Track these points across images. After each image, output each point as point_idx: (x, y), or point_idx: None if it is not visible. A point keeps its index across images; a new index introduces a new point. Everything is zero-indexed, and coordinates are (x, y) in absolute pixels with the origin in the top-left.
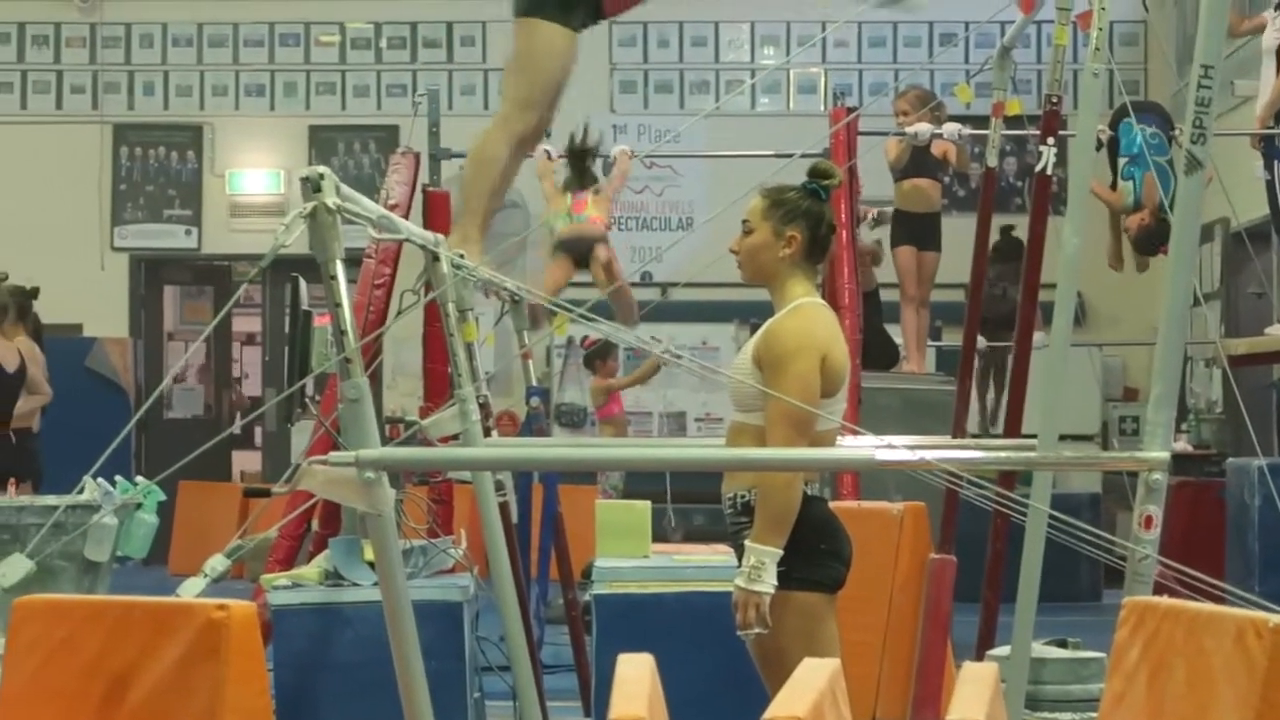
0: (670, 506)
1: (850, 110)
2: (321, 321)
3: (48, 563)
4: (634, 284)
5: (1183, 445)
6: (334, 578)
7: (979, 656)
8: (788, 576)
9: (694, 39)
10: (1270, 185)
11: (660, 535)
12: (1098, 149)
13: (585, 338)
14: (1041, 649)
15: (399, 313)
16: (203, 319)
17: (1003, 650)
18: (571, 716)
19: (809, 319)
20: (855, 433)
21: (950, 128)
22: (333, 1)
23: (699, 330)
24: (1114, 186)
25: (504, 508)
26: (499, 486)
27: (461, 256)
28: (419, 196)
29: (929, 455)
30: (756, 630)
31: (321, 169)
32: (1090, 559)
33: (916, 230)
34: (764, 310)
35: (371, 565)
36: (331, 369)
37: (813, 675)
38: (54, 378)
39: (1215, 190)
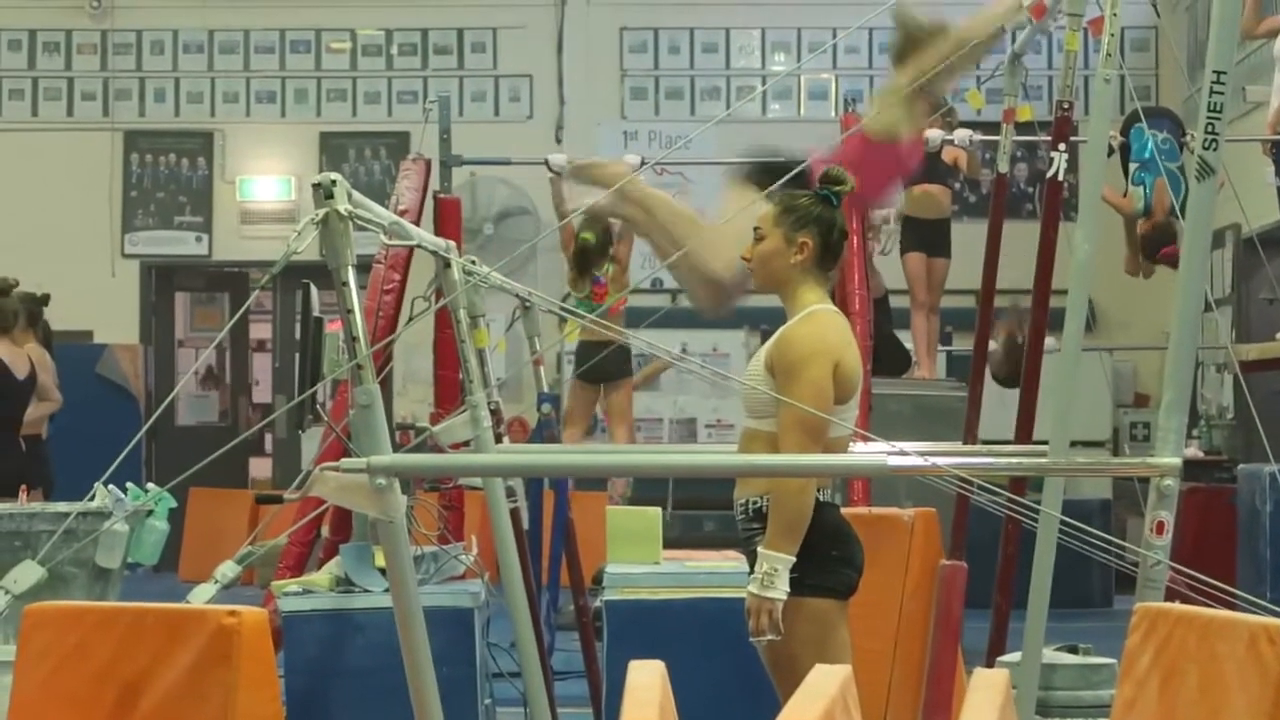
0: (671, 513)
1: (860, 116)
2: (333, 328)
3: (59, 569)
4: (645, 290)
5: (1194, 451)
6: (345, 584)
7: (990, 663)
8: (800, 583)
9: (705, 45)
10: None
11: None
12: (1109, 155)
13: None
14: (1052, 655)
15: (410, 319)
16: (214, 326)
17: (1014, 656)
18: None
19: (822, 325)
20: (867, 439)
21: (961, 134)
22: (344, 8)
23: (709, 336)
24: (1126, 193)
25: (515, 514)
26: (510, 492)
27: None
28: (430, 203)
29: (940, 461)
30: (769, 637)
31: (333, 175)
32: (1102, 565)
33: (926, 236)
34: (775, 316)
35: (382, 571)
36: (343, 375)
37: (824, 682)
38: (64, 384)
39: (1227, 196)
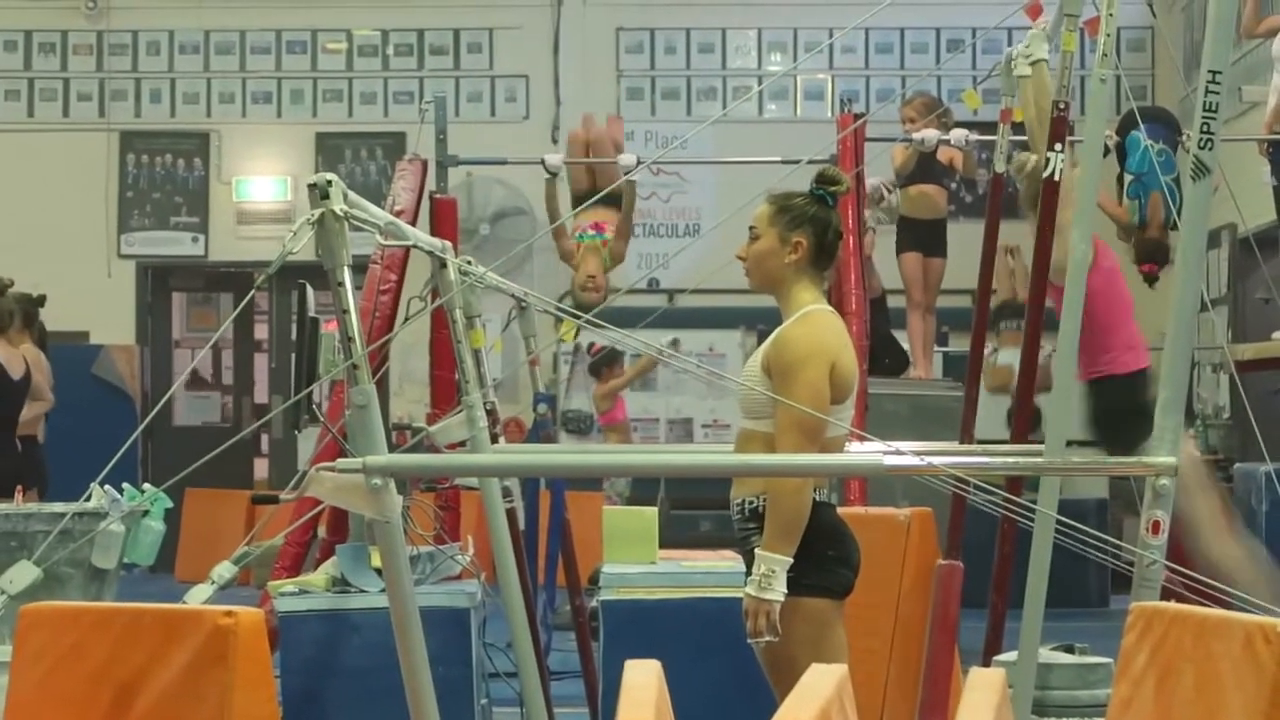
0: (670, 512)
1: (857, 116)
2: (329, 328)
3: (55, 570)
4: (641, 290)
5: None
6: (341, 584)
7: (986, 662)
8: (796, 583)
9: (701, 45)
10: (1278, 191)
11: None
12: (1104, 155)
13: (591, 345)
14: (1049, 654)
15: (406, 319)
16: (210, 326)
17: (1010, 656)
18: None
19: (818, 326)
20: (863, 439)
21: (957, 134)
22: (340, 9)
23: (706, 336)
24: (1119, 198)
25: (511, 514)
26: (506, 493)
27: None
28: (426, 203)
29: (936, 461)
30: (767, 639)
31: (329, 175)
32: (1098, 564)
33: (922, 237)
34: (771, 316)
35: (378, 572)
36: (339, 375)
37: (820, 681)
38: (61, 385)
39: (1223, 196)
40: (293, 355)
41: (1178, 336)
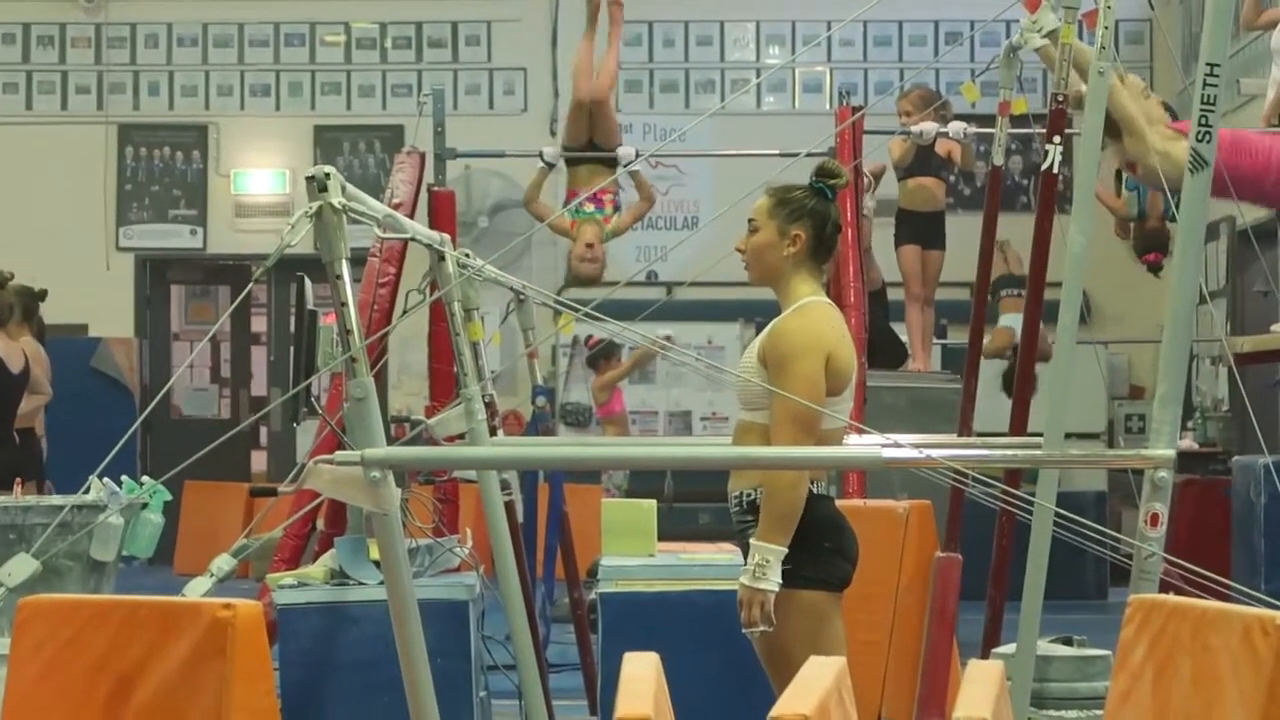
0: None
1: (855, 109)
2: (327, 321)
3: (53, 562)
4: (639, 283)
5: (1188, 443)
6: (340, 577)
7: (984, 655)
8: (794, 575)
9: (699, 38)
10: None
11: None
12: (1103, 148)
13: (589, 337)
14: (1047, 647)
15: (405, 312)
16: (208, 319)
17: (1008, 648)
18: (577, 715)
19: (815, 318)
20: (862, 431)
21: (955, 126)
22: (338, 1)
23: (705, 329)
24: (1118, 191)
25: (509, 507)
26: (504, 485)
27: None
28: (424, 196)
29: (935, 454)
30: (761, 628)
31: (327, 168)
32: (1096, 557)
33: (921, 229)
34: (770, 309)
35: (377, 564)
36: (337, 368)
37: (819, 673)
38: (59, 378)
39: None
40: (291, 348)
41: (1176, 329)
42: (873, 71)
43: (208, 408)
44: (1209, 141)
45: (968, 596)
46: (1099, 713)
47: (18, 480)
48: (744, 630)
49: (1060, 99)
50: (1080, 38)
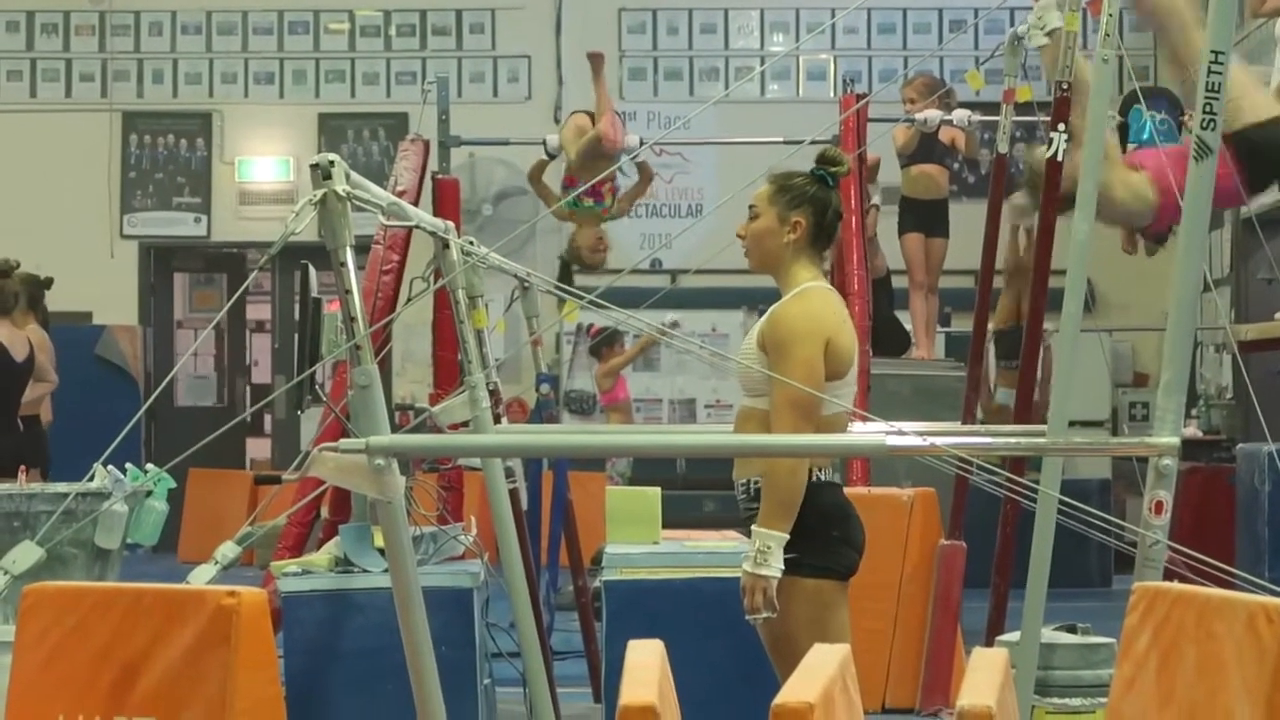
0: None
1: (860, 97)
2: (331, 308)
3: (58, 550)
4: (644, 271)
5: (1193, 431)
6: (344, 564)
7: (989, 642)
8: (799, 563)
9: (703, 26)
10: None
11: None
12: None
13: (591, 325)
14: (1051, 635)
15: (409, 299)
16: (212, 307)
17: (1013, 636)
18: (582, 702)
19: (814, 302)
20: (866, 419)
21: (960, 114)
22: None
23: (708, 316)
24: None
25: (514, 494)
26: (509, 473)
27: None
28: (428, 183)
29: (939, 441)
30: (764, 615)
31: (331, 156)
32: (1100, 544)
33: (924, 217)
34: (773, 297)
35: (381, 552)
36: (341, 356)
37: (823, 661)
38: (63, 366)
39: None
40: (295, 336)
41: (1180, 316)
42: (877, 59)
43: (205, 396)
44: (1213, 129)
45: (972, 584)
46: (1103, 700)
47: (22, 468)
48: (747, 617)
49: (1064, 87)
50: (1085, 26)
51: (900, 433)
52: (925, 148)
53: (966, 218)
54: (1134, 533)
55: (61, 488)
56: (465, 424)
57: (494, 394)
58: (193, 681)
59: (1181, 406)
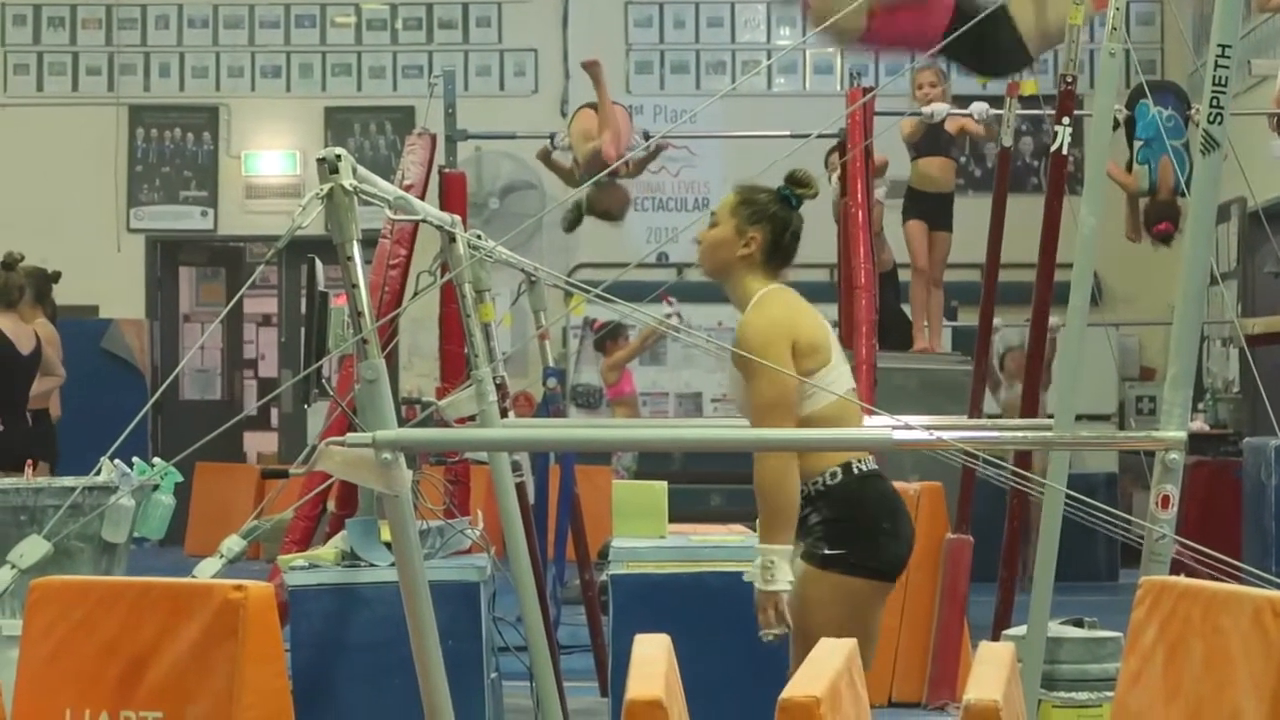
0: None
1: (867, 90)
2: (338, 302)
3: (65, 544)
4: (650, 265)
5: (1199, 425)
6: (351, 558)
7: (995, 636)
8: (846, 560)
9: (710, 19)
10: None
11: None
12: (1114, 129)
13: (595, 320)
14: (1058, 629)
15: (416, 293)
16: (219, 300)
17: (1019, 630)
18: (588, 697)
19: (770, 307)
20: (872, 412)
21: (978, 106)
22: None
23: (714, 311)
24: (1129, 168)
25: (520, 488)
26: (516, 467)
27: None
28: (435, 177)
29: (946, 435)
30: (777, 631)
31: (338, 150)
32: (1107, 538)
33: (928, 209)
34: None
35: (388, 546)
36: (348, 350)
37: (830, 655)
38: (70, 359)
39: (1232, 169)
40: (302, 330)
41: (1187, 310)
42: (883, 54)
43: (210, 390)
44: (1220, 123)
45: (978, 578)
46: (1110, 695)
47: (29, 462)
48: (761, 633)
49: (1070, 80)
50: (1090, 20)
51: (907, 426)
52: (932, 138)
53: (972, 212)
54: (1141, 527)
55: (68, 482)
56: (472, 418)
57: (501, 388)
58: (200, 675)
59: (1188, 400)
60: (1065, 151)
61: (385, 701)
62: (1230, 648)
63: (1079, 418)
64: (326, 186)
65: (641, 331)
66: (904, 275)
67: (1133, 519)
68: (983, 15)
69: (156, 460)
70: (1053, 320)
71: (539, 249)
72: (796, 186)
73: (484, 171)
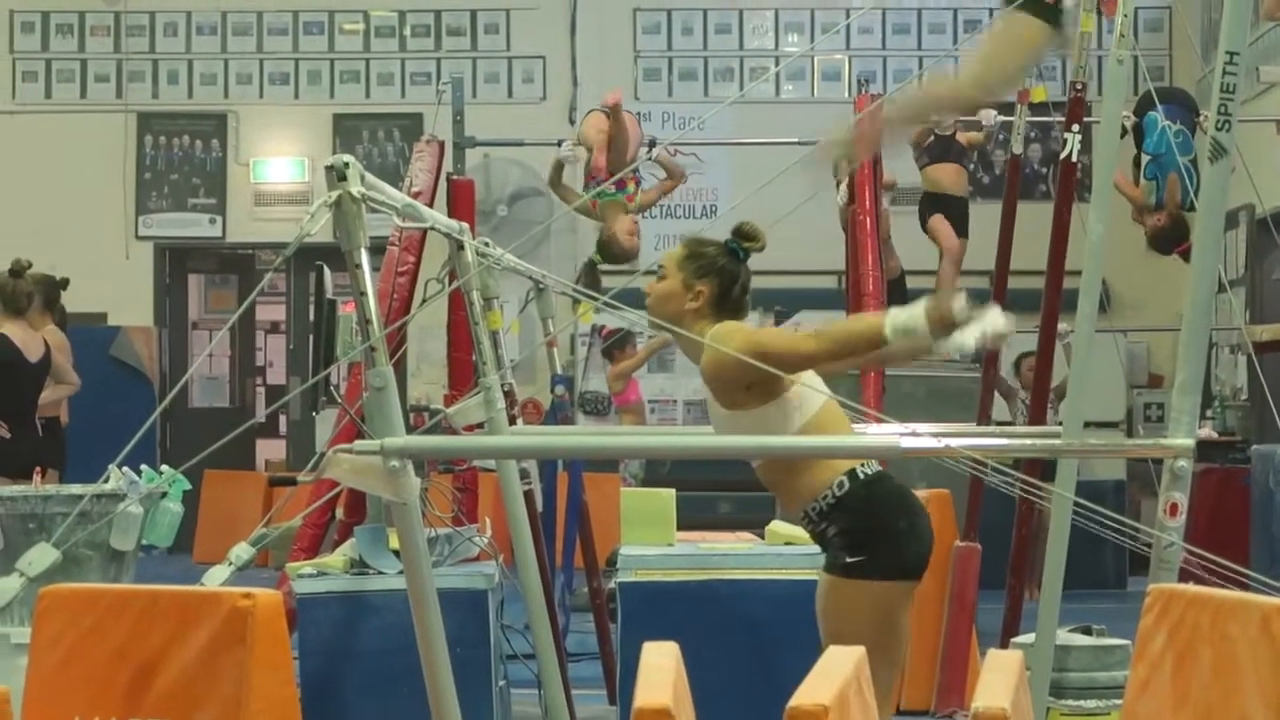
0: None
1: (874, 97)
2: (347, 310)
3: (73, 552)
4: (655, 273)
5: (1207, 432)
6: (359, 566)
7: (1004, 644)
8: (866, 566)
9: (718, 26)
10: None
11: None
12: (1122, 136)
13: (603, 327)
14: (1066, 636)
15: (424, 301)
16: (227, 308)
17: (1027, 638)
18: (596, 704)
19: (724, 337)
20: (880, 420)
21: (986, 113)
22: None
23: None
24: (1136, 179)
25: (529, 496)
26: (524, 474)
27: None
28: (443, 184)
29: (954, 442)
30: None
31: (346, 157)
32: (1115, 546)
33: (947, 207)
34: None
35: (396, 553)
36: (356, 357)
37: (838, 663)
38: (79, 367)
39: (1240, 177)
40: (311, 337)
41: (1195, 317)
42: (892, 59)
43: (219, 397)
44: (1228, 130)
45: (987, 585)
46: (1118, 702)
47: (38, 469)
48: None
49: (1079, 87)
50: (1099, 26)
51: (914, 434)
52: (943, 145)
53: (982, 218)
54: (1149, 534)
55: (77, 489)
56: (480, 425)
57: (509, 395)
58: (208, 683)
59: (1196, 408)
60: (1075, 159)
61: (393, 709)
62: (1238, 655)
63: (1087, 425)
64: (335, 194)
65: (649, 344)
66: (913, 282)
67: (1141, 526)
68: None
69: (165, 468)
70: (1061, 327)
71: (547, 256)
72: (744, 240)
73: (492, 178)
